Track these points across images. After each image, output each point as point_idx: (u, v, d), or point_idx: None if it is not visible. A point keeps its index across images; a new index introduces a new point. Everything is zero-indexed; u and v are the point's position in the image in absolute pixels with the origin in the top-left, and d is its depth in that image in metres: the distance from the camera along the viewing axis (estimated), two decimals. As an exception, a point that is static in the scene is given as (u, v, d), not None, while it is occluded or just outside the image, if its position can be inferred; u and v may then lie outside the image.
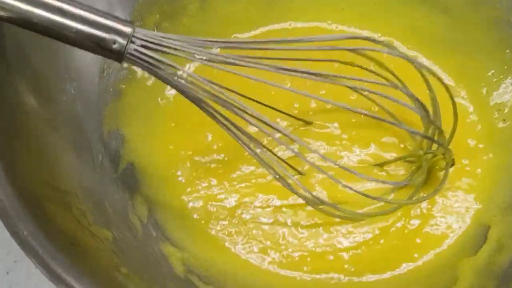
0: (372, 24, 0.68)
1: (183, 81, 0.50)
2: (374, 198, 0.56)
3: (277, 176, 0.54)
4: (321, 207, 0.57)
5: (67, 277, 0.40)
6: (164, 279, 0.52)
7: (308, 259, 0.58)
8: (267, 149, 0.55)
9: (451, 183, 0.60)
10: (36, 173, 0.48)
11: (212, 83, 0.49)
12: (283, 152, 0.60)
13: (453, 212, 0.59)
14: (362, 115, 0.56)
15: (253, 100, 0.56)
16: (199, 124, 0.62)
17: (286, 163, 0.57)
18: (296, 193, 0.55)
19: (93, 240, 0.49)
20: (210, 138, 0.63)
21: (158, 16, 0.66)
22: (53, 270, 0.40)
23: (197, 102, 0.51)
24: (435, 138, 0.56)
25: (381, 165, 0.62)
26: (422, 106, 0.54)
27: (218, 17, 0.68)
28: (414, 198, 0.59)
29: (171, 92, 0.65)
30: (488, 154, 0.62)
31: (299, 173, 0.60)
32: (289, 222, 0.59)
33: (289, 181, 0.54)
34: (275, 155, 0.55)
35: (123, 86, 0.64)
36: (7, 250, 0.61)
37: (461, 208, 0.59)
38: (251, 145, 0.53)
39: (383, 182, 0.59)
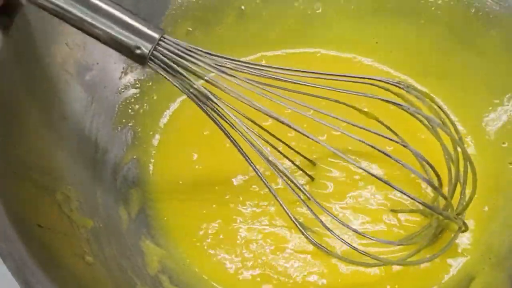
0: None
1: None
2: (363, 253, 0.55)
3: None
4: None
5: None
6: (132, 274, 0.54)
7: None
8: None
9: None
10: (25, 154, 0.52)
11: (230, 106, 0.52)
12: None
13: (440, 259, 0.57)
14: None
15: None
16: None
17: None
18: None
19: (68, 226, 0.52)
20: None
21: (191, 22, 0.68)
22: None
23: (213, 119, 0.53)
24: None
25: (395, 211, 0.61)
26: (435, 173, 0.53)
27: (251, 32, 0.70)
28: (408, 260, 0.57)
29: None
30: (483, 206, 0.59)
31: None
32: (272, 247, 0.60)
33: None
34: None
35: (148, 84, 0.67)
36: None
37: (449, 257, 0.58)
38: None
39: (372, 238, 0.55)
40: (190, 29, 0.69)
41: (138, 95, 0.66)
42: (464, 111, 0.67)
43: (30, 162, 0.52)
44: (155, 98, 0.67)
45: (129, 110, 0.65)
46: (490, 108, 0.65)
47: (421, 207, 0.60)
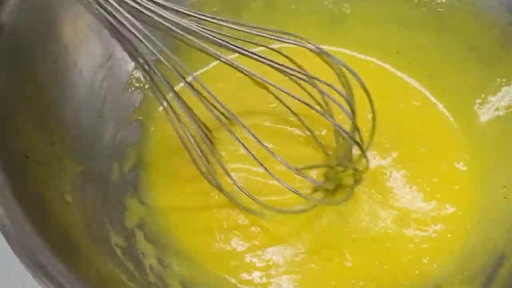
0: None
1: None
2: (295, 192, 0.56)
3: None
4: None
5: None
6: (107, 221, 0.57)
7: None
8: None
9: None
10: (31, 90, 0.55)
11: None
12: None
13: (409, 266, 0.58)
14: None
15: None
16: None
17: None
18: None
19: (56, 165, 0.55)
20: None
21: (219, 4, 0.71)
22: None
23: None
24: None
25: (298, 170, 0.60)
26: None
27: (276, 22, 0.72)
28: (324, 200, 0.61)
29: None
30: (466, 224, 0.60)
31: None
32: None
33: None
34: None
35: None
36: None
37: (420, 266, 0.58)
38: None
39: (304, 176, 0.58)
40: (216, 9, 0.71)
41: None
42: (472, 129, 0.67)
43: (35, 98, 0.55)
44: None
45: (143, 75, 0.67)
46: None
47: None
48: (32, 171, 0.51)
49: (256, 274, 0.58)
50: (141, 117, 0.67)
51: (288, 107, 0.61)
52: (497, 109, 0.65)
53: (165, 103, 0.58)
